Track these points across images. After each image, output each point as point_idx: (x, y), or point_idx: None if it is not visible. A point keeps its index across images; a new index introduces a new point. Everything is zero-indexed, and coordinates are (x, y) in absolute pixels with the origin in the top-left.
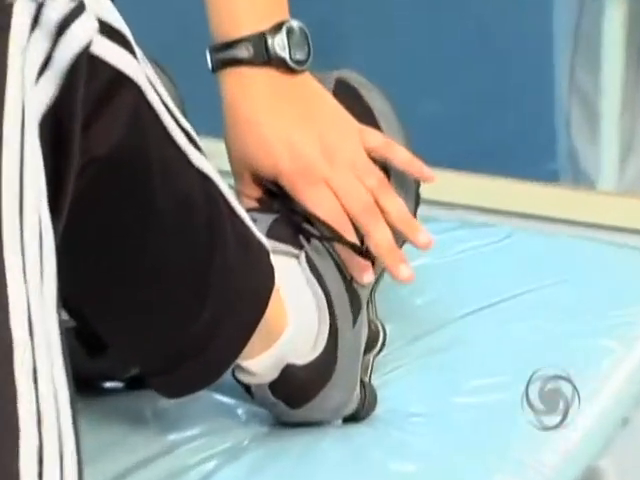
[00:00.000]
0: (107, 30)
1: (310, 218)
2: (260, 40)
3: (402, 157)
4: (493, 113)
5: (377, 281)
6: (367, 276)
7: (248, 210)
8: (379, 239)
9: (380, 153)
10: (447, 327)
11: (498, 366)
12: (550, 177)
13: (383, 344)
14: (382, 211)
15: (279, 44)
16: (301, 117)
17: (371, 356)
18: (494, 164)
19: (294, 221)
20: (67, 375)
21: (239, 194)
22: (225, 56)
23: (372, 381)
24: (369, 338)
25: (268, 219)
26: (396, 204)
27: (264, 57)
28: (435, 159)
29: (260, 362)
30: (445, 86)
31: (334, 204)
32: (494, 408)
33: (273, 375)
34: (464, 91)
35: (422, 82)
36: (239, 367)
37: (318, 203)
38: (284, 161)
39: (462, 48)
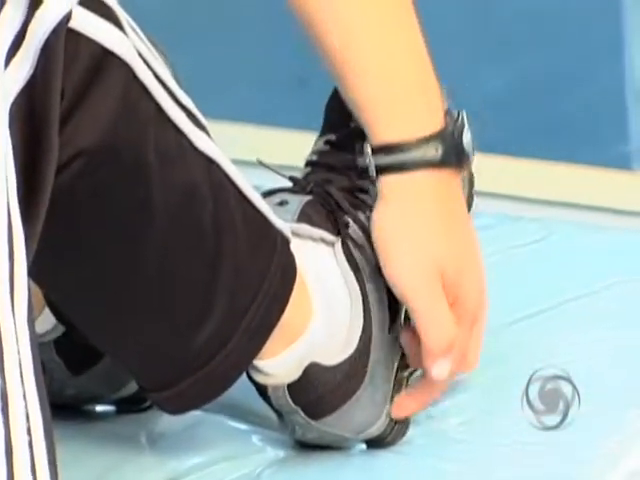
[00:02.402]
0: (89, 1)
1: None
2: (451, 136)
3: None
4: (551, 89)
5: None
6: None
7: (279, 190)
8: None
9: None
10: (490, 337)
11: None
12: (621, 162)
13: None
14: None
15: (467, 140)
16: (448, 230)
17: (405, 375)
18: (554, 148)
19: (331, 204)
20: (41, 398)
21: None
22: (401, 158)
23: None
24: (404, 354)
25: (301, 200)
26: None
27: (453, 158)
28: (484, 142)
29: (279, 362)
30: (497, 62)
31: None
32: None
33: (293, 376)
34: (517, 67)
35: (472, 58)
36: (253, 366)
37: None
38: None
39: (519, 20)
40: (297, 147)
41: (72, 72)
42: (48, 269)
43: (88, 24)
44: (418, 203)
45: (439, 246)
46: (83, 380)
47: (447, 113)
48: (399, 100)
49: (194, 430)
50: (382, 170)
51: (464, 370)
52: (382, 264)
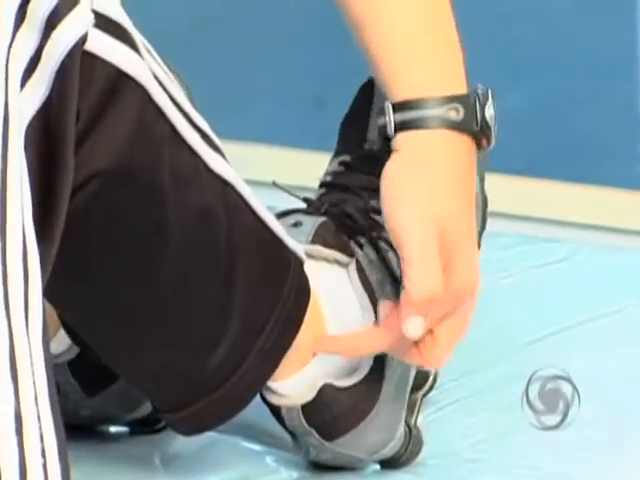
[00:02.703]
0: (104, 23)
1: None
2: (473, 102)
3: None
4: (567, 110)
5: None
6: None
7: (293, 212)
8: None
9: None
10: (506, 359)
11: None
12: (635, 184)
13: (433, 383)
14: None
15: (490, 113)
16: (454, 194)
17: (419, 395)
18: (568, 169)
19: (346, 224)
20: (55, 419)
21: None
22: (422, 115)
23: (418, 422)
24: (418, 374)
25: (315, 221)
26: (460, 331)
27: (474, 124)
28: (500, 163)
29: (292, 383)
30: (513, 83)
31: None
32: (564, 451)
33: (307, 397)
34: (533, 88)
35: (488, 80)
36: (267, 387)
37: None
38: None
39: (534, 42)
40: (312, 168)
41: (88, 94)
42: (63, 290)
43: (104, 46)
44: (431, 160)
45: (443, 205)
46: (98, 401)
47: (473, 86)
48: (421, 56)
49: (208, 451)
50: (401, 127)
51: (427, 363)
52: (383, 209)
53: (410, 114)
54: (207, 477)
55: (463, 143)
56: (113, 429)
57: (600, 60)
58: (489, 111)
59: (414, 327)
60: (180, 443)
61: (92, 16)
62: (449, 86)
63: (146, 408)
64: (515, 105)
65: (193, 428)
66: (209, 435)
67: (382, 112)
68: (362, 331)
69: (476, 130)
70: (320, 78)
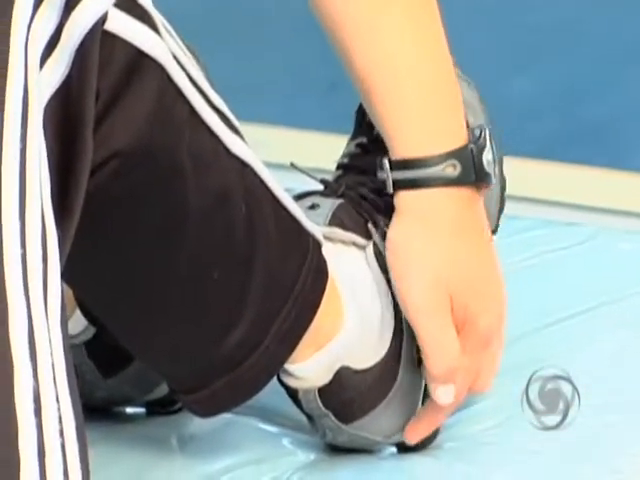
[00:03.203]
0: (124, 2)
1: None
2: (470, 155)
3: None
4: (587, 93)
5: None
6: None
7: (311, 194)
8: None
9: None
10: (523, 341)
11: (587, 388)
12: None
13: None
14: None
15: (488, 158)
16: (460, 251)
17: None
18: (588, 152)
19: (363, 207)
20: (73, 400)
21: None
22: (419, 174)
23: None
24: None
25: (332, 204)
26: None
27: (472, 177)
28: (519, 146)
29: (309, 365)
30: (534, 63)
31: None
32: (582, 436)
33: (324, 380)
34: (553, 71)
35: (508, 59)
36: (284, 369)
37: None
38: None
39: (555, 19)
40: (328, 150)
41: (107, 74)
42: (80, 270)
43: (124, 26)
44: (433, 222)
45: (449, 268)
46: (114, 382)
47: (469, 131)
48: (419, 115)
49: (224, 433)
50: (399, 186)
51: (476, 392)
52: (393, 281)
53: (408, 174)
54: (224, 458)
55: (463, 195)
56: (129, 410)
57: (619, 43)
58: (487, 156)
59: (444, 396)
60: (197, 424)
61: None
62: (447, 142)
63: (162, 389)
64: (535, 88)
65: (209, 410)
66: (226, 417)
67: (381, 166)
68: (421, 411)
69: (474, 181)
70: (333, 63)
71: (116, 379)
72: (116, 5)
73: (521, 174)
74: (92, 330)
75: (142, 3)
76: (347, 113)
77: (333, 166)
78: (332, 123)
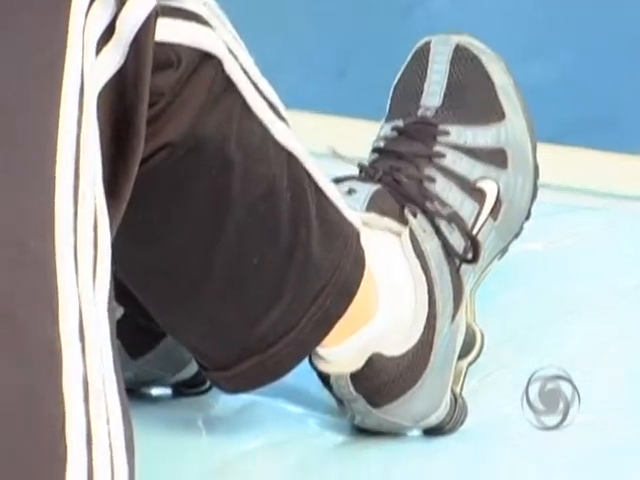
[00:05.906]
0: (169, 10)
1: None
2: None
3: None
4: (610, 79)
5: (478, 280)
6: None
7: (347, 179)
8: None
9: None
10: (544, 327)
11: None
12: None
13: (480, 352)
14: None
15: None
16: None
17: (465, 364)
18: (610, 138)
19: (400, 193)
20: (119, 387)
21: None
22: None
23: (463, 391)
24: (465, 343)
25: (369, 189)
26: None
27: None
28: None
29: (342, 350)
30: (550, 46)
31: None
32: (609, 425)
33: (356, 365)
34: (573, 50)
35: (526, 41)
36: (317, 354)
37: None
38: None
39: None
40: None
41: (171, 76)
42: (123, 250)
43: (175, 32)
44: None
45: None
46: (140, 363)
47: None
48: None
49: (251, 413)
50: None
51: None
52: None
53: None
54: (250, 439)
55: None
56: (155, 392)
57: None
58: None
59: None
60: (223, 405)
61: None
62: None
63: (190, 370)
64: (556, 74)
65: (238, 387)
66: (252, 397)
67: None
68: None
69: None
70: (343, 49)
71: (143, 360)
72: (163, 14)
73: (546, 159)
74: (121, 310)
75: (184, 2)
76: (357, 98)
77: (345, 149)
78: (341, 107)
